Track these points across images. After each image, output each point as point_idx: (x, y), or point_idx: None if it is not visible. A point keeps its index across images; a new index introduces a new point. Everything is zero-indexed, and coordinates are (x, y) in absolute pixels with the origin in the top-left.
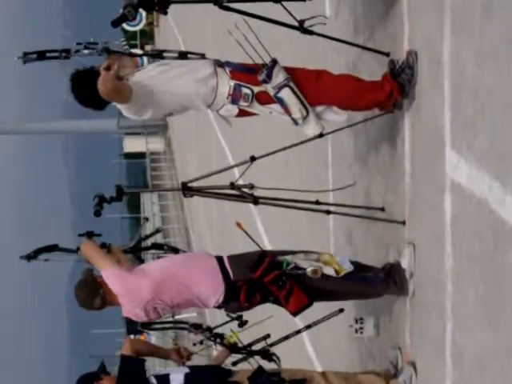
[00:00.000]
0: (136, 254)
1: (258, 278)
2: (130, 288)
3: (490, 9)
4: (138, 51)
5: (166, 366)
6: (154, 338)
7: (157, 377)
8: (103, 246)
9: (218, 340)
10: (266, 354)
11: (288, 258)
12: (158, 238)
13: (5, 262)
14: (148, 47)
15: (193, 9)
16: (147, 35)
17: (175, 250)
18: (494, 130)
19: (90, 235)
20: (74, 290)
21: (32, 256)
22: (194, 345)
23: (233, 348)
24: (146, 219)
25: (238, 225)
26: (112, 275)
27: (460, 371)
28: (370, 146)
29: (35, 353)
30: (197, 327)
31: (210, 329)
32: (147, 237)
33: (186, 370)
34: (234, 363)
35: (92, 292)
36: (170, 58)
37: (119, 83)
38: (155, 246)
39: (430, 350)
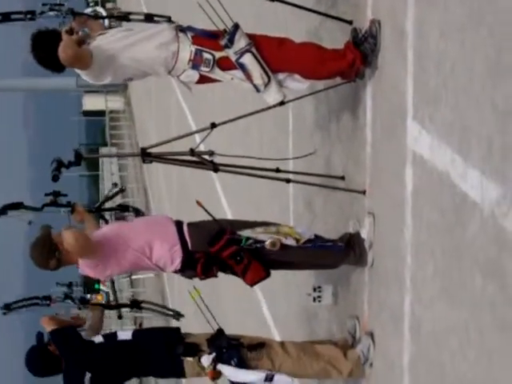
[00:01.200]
0: (100, 213)
1: (216, 253)
2: (99, 270)
3: None
4: (102, 11)
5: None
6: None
7: (104, 335)
8: (68, 204)
9: (86, 304)
10: (134, 304)
11: (247, 233)
12: (117, 198)
13: None
14: (109, 5)
15: None
16: None
17: (138, 212)
18: (456, 103)
19: (56, 194)
20: (29, 248)
21: (1, 212)
22: (80, 309)
23: (103, 305)
24: (116, 184)
25: (198, 203)
26: (88, 267)
27: (418, 344)
28: (332, 114)
29: None
30: (47, 299)
31: (68, 296)
32: (112, 196)
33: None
34: (119, 317)
35: (47, 252)
36: (135, 20)
37: (80, 50)
38: (121, 207)
39: (388, 321)
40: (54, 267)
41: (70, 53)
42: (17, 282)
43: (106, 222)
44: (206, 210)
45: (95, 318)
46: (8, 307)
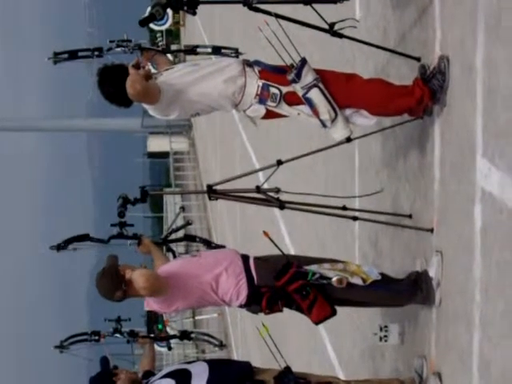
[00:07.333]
0: (167, 245)
1: (282, 287)
2: (166, 305)
3: None
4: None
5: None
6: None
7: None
8: (134, 236)
9: (135, 337)
10: (184, 335)
11: (313, 268)
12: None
13: (28, 255)
14: (174, 47)
15: (220, 8)
16: (173, 35)
17: (206, 242)
18: None
19: (122, 224)
20: (95, 279)
21: (62, 246)
22: (128, 342)
23: (152, 338)
24: (183, 209)
25: (265, 233)
26: (154, 302)
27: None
28: (399, 151)
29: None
30: (96, 334)
31: (117, 331)
32: (178, 229)
33: (205, 366)
34: (169, 348)
35: (114, 284)
36: (203, 53)
37: (148, 85)
38: (187, 237)
39: (456, 360)
40: (119, 299)
41: (138, 88)
42: (81, 319)
43: (173, 253)
44: (272, 241)
45: (147, 352)
46: (62, 345)
